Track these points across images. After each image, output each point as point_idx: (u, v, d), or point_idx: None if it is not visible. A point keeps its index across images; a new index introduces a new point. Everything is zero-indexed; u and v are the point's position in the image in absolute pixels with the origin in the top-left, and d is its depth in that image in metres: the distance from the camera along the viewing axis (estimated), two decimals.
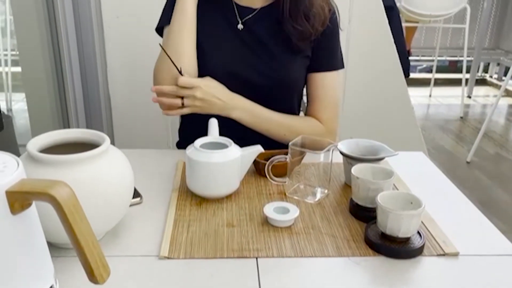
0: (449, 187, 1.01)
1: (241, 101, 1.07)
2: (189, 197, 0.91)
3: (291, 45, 1.09)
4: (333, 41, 1.15)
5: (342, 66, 1.19)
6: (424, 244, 0.76)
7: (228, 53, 1.10)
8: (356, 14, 1.71)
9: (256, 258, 0.73)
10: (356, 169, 0.86)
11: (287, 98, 1.15)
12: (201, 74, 1.08)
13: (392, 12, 1.89)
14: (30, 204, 0.52)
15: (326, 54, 1.14)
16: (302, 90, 1.21)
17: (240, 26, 1.10)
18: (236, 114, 1.06)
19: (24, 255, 0.52)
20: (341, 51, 1.18)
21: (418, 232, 0.77)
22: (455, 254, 0.76)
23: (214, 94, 1.03)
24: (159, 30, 1.15)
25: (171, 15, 1.08)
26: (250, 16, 1.11)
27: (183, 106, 1.02)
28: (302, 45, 1.10)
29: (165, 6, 1.15)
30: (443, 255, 0.75)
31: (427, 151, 1.94)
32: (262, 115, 1.09)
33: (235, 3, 1.12)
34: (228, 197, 0.91)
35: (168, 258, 0.73)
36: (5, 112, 3.25)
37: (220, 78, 1.06)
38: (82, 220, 0.51)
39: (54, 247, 0.72)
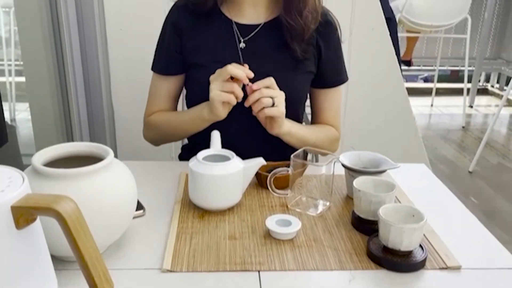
0: (451, 200, 1.01)
1: None
2: (192, 209, 0.91)
3: (295, 59, 1.10)
4: (338, 57, 1.18)
5: (346, 78, 1.21)
6: (426, 258, 0.76)
7: None
8: (357, 26, 1.72)
9: (259, 272, 0.73)
10: (358, 182, 0.86)
11: (291, 112, 1.16)
12: (206, 95, 1.05)
13: (390, 23, 1.91)
14: (35, 219, 0.52)
15: (333, 71, 1.18)
16: (305, 102, 1.22)
17: (242, 45, 1.11)
18: (287, 126, 1.06)
19: (28, 269, 0.53)
20: (344, 63, 1.20)
21: (420, 246, 0.78)
22: (458, 268, 0.76)
23: None
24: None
25: (163, 62, 1.15)
26: (254, 33, 1.11)
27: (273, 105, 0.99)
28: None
29: (156, 50, 1.18)
30: (445, 268, 0.75)
31: (429, 161, 1.94)
32: (300, 127, 1.13)
33: (235, 22, 1.12)
34: (230, 209, 0.92)
35: (170, 271, 0.73)
36: (9, 122, 3.26)
37: None
38: (86, 235, 0.52)
39: (57, 260, 0.72)
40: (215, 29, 1.12)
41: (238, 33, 1.11)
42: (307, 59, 1.12)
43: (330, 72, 1.17)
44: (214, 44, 1.11)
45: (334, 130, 1.20)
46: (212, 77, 0.99)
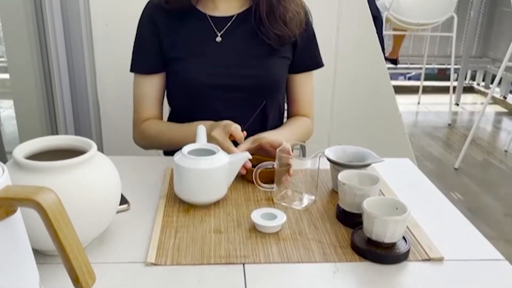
0: (434, 193, 1.02)
1: None
2: (177, 203, 0.91)
3: (271, 47, 1.12)
4: (312, 42, 1.21)
5: (322, 64, 1.24)
6: (409, 249, 0.77)
7: (211, 65, 1.11)
8: (344, 22, 1.73)
9: (243, 264, 0.74)
10: (343, 175, 0.87)
11: (273, 97, 1.19)
12: (188, 88, 1.09)
13: (375, 22, 1.94)
14: (15, 211, 0.52)
15: (307, 56, 1.20)
16: (285, 87, 1.24)
17: (218, 39, 1.12)
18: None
19: (9, 262, 0.52)
20: (319, 50, 1.23)
21: (404, 238, 0.78)
22: (440, 259, 0.77)
23: None
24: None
25: (144, 61, 1.15)
26: (228, 25, 1.13)
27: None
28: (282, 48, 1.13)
29: (134, 51, 1.18)
30: (428, 260, 0.76)
31: (415, 158, 1.96)
32: (285, 134, 1.12)
33: (209, 16, 1.13)
34: (216, 203, 0.91)
35: (154, 264, 0.73)
36: None
37: (206, 88, 1.10)
38: (67, 226, 0.51)
39: (40, 254, 0.71)
40: (190, 24, 1.13)
41: (214, 26, 1.13)
42: (283, 44, 1.13)
43: (305, 58, 1.20)
44: (191, 39, 1.12)
45: (309, 122, 1.24)
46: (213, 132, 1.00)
